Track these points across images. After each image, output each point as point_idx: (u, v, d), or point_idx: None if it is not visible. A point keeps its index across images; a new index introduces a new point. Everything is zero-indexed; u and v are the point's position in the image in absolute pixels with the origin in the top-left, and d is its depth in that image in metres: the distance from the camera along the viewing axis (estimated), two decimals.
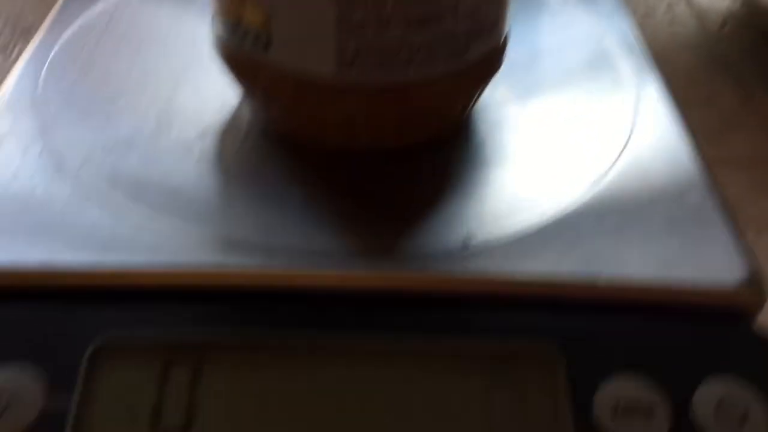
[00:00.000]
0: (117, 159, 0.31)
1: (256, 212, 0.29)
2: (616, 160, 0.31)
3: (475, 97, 0.31)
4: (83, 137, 0.32)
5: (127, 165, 0.30)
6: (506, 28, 0.31)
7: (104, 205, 0.28)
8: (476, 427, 0.23)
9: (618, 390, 0.24)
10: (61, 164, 0.30)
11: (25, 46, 0.37)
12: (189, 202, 0.29)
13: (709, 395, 0.24)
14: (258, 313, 0.26)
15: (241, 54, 0.29)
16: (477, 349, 0.25)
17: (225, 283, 0.26)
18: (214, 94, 0.34)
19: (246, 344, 0.25)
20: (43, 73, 0.35)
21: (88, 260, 0.26)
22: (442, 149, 0.32)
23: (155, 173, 0.30)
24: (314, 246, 0.27)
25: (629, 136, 0.32)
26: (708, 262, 0.26)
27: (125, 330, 0.25)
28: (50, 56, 0.36)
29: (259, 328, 0.25)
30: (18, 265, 0.26)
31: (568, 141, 0.32)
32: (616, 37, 0.38)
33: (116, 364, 0.24)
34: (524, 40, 0.37)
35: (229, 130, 0.33)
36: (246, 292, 0.26)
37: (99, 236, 0.27)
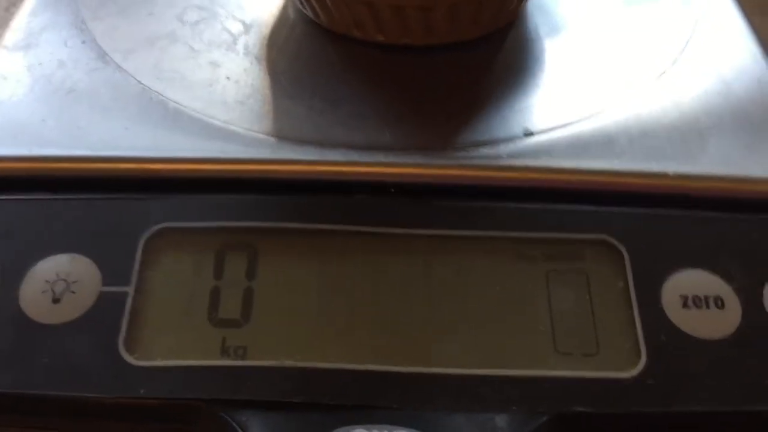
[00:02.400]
0: (160, 53, 0.30)
1: (306, 106, 0.28)
2: (680, 54, 0.30)
3: None
4: (125, 30, 0.31)
5: (171, 58, 0.29)
6: None
7: (150, 98, 0.28)
8: (540, 317, 0.23)
9: (686, 282, 0.23)
10: (103, 56, 0.29)
11: None
12: (236, 96, 0.28)
13: None
14: (312, 205, 0.25)
15: None
16: (541, 240, 0.24)
17: (279, 176, 0.26)
18: None
19: (300, 235, 0.24)
20: None
21: (137, 152, 0.26)
22: (496, 44, 0.31)
23: (200, 67, 0.29)
24: (370, 140, 0.26)
25: (693, 31, 0.31)
26: None
27: (179, 220, 0.24)
28: None
29: (314, 220, 0.25)
30: (68, 156, 0.25)
31: (628, 37, 0.31)
32: None
33: (171, 253, 0.24)
34: None
35: (275, 24, 0.32)
36: (300, 184, 0.25)
37: (147, 128, 0.26)
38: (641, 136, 0.26)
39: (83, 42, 0.30)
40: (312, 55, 0.30)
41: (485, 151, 0.26)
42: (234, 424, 0.20)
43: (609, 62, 0.30)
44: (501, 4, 0.29)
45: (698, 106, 0.28)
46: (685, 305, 0.23)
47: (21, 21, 0.31)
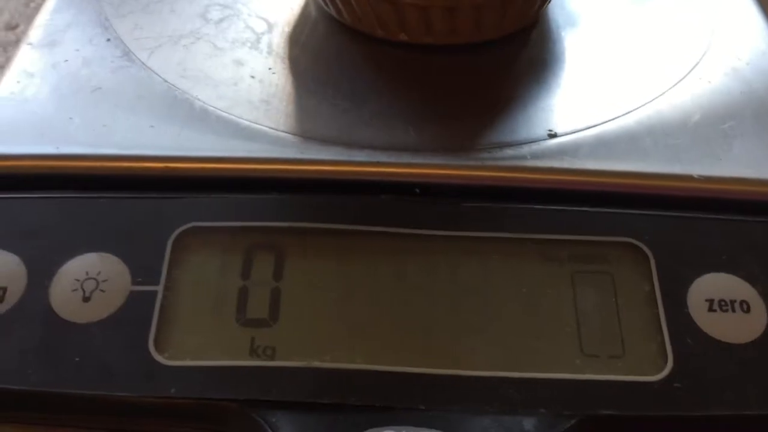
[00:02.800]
0: (184, 51, 0.30)
1: (330, 106, 0.28)
2: (702, 57, 0.30)
3: None
4: (148, 28, 0.31)
5: (195, 57, 0.30)
6: None
7: (175, 96, 0.28)
8: (566, 319, 0.23)
9: (712, 285, 0.23)
10: (128, 54, 0.29)
11: None
12: (261, 95, 0.28)
13: None
14: (338, 206, 0.25)
15: None
16: (566, 242, 0.24)
17: (305, 176, 0.26)
18: None
19: (326, 235, 0.24)
20: None
21: (164, 151, 0.26)
22: (519, 45, 0.31)
23: (224, 66, 0.29)
24: (394, 140, 0.26)
25: (713, 34, 0.31)
26: None
27: (207, 220, 0.24)
28: None
29: (340, 220, 0.25)
30: (96, 155, 0.26)
31: (651, 38, 0.31)
32: None
33: (199, 252, 0.24)
34: None
35: (298, 24, 0.32)
36: (326, 184, 0.25)
37: (173, 127, 0.27)
38: (665, 138, 0.26)
39: (108, 40, 0.30)
40: (335, 54, 0.30)
41: (510, 152, 0.26)
42: (265, 425, 0.21)
43: (632, 64, 0.30)
44: (524, 5, 0.29)
45: (721, 107, 0.28)
46: (711, 309, 0.23)
47: (44, 18, 0.31)
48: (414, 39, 0.30)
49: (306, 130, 0.27)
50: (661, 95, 0.28)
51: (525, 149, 0.26)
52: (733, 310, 0.23)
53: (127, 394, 0.21)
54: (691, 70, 0.29)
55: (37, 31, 0.30)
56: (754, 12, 0.32)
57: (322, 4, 0.31)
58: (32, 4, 0.43)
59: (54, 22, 0.31)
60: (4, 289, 0.23)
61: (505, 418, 0.21)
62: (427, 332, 0.23)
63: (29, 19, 0.44)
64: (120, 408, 0.22)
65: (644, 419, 0.21)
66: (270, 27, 0.31)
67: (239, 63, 0.29)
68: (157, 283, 0.23)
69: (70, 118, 0.26)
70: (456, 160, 0.26)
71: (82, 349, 0.22)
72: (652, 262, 0.24)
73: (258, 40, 0.30)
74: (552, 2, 0.32)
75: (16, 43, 0.42)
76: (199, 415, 0.21)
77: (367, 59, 0.30)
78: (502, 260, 0.24)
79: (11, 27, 0.41)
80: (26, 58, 0.29)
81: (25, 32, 0.33)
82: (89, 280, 0.23)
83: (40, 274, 0.23)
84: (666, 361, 0.22)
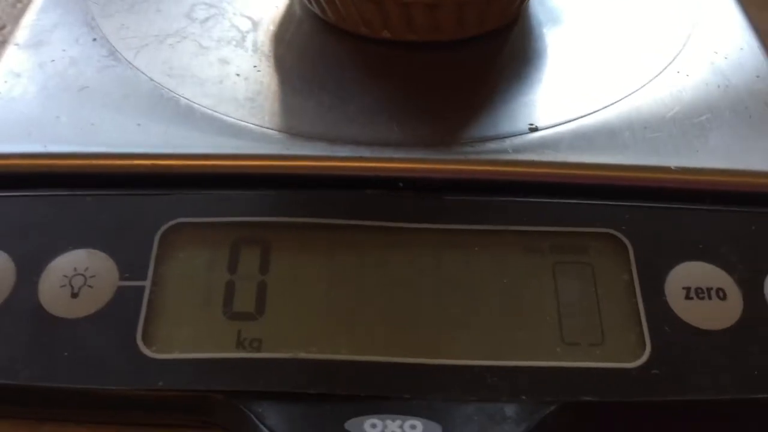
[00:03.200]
0: (170, 50, 0.30)
1: (315, 103, 0.28)
2: (680, 51, 0.30)
3: None
4: (134, 27, 0.31)
5: (181, 55, 0.30)
6: None
7: (161, 94, 0.28)
8: (548, 309, 0.23)
9: (689, 274, 0.24)
10: (114, 53, 0.30)
11: None
12: (246, 93, 0.28)
13: None
14: (323, 200, 0.25)
15: None
16: (547, 234, 0.24)
17: (290, 172, 0.26)
18: None
19: (311, 229, 0.25)
20: None
21: (151, 149, 0.26)
22: (501, 41, 0.31)
23: (209, 64, 0.30)
24: (378, 136, 0.27)
25: (692, 28, 0.31)
26: None
27: (193, 215, 0.25)
28: None
29: (325, 215, 0.25)
30: (83, 153, 0.26)
31: (630, 33, 0.32)
32: None
33: (186, 247, 0.24)
34: None
35: (282, 22, 0.32)
36: (310, 180, 0.26)
37: (159, 125, 0.27)
38: (644, 131, 0.27)
39: (94, 39, 0.30)
40: (319, 52, 0.31)
41: (492, 146, 0.26)
42: (251, 415, 0.21)
43: (612, 58, 0.30)
44: (506, 2, 0.30)
45: (699, 101, 0.28)
46: (688, 297, 0.23)
47: (31, 18, 0.31)
48: (397, 36, 0.30)
49: (291, 126, 0.27)
50: (640, 89, 0.29)
51: (507, 143, 0.27)
52: (710, 298, 0.23)
53: (116, 387, 0.22)
54: (670, 63, 0.30)
55: (23, 31, 0.31)
56: (733, 7, 0.33)
57: (307, 2, 0.32)
58: (19, 5, 0.43)
59: (40, 23, 0.31)
60: None
61: (487, 406, 0.22)
62: (411, 323, 0.23)
63: (16, 19, 0.44)
64: (109, 401, 0.22)
65: (623, 405, 0.22)
66: (255, 25, 0.32)
67: (224, 61, 0.30)
68: (144, 278, 0.23)
69: (57, 117, 0.27)
70: (439, 154, 0.26)
71: (71, 344, 0.22)
72: (631, 251, 0.24)
73: (243, 39, 0.31)
74: (532, 1, 0.32)
75: (3, 43, 0.42)
76: (186, 407, 0.22)
77: (352, 56, 0.30)
78: (484, 252, 0.24)
79: None
80: (13, 58, 0.29)
81: (12, 33, 0.33)
82: (77, 276, 0.23)
83: (29, 271, 0.23)
84: (644, 349, 0.22)
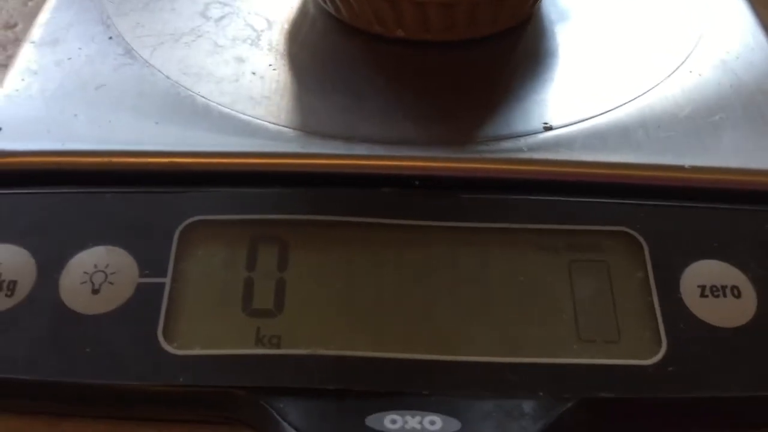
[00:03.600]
0: (186, 48, 0.30)
1: (330, 101, 0.28)
2: (692, 51, 0.31)
3: None
4: (150, 26, 0.31)
5: (197, 54, 0.30)
6: None
7: (178, 93, 0.28)
8: (564, 306, 0.24)
9: (704, 272, 0.24)
10: (131, 51, 0.30)
11: None
12: (262, 91, 0.29)
13: None
14: (339, 198, 0.26)
15: None
16: (563, 232, 0.25)
17: (307, 170, 0.26)
18: None
19: (328, 227, 0.25)
20: None
21: (169, 147, 0.26)
22: (514, 40, 0.31)
23: (225, 63, 0.30)
24: (393, 134, 0.27)
25: (703, 28, 0.32)
26: None
27: (212, 213, 0.25)
28: None
29: (342, 212, 0.25)
30: (102, 150, 0.26)
31: (642, 33, 0.32)
32: None
33: (205, 245, 0.24)
34: None
35: (297, 21, 0.32)
36: (327, 178, 0.26)
37: (177, 123, 0.27)
38: (657, 130, 0.27)
39: (110, 38, 0.30)
40: (333, 50, 0.31)
41: (506, 145, 0.27)
42: (272, 412, 0.21)
43: (624, 57, 0.30)
44: (519, 1, 0.30)
45: (711, 100, 0.28)
46: (702, 294, 0.23)
47: (46, 16, 0.32)
48: (411, 35, 0.30)
49: (307, 124, 0.27)
50: (652, 88, 0.29)
51: (521, 142, 0.27)
52: (725, 296, 0.23)
53: (137, 383, 0.22)
54: (682, 63, 0.30)
55: (39, 29, 0.31)
56: (743, 6, 0.33)
57: (321, 1, 0.32)
58: (30, 3, 0.43)
59: (56, 21, 0.31)
60: (14, 283, 0.23)
61: (505, 402, 0.22)
62: (429, 320, 0.23)
63: (27, 17, 0.44)
64: (130, 397, 0.22)
65: (639, 401, 0.22)
66: (270, 24, 0.32)
67: (240, 60, 0.30)
68: (164, 275, 0.23)
69: (75, 115, 0.27)
70: (454, 153, 0.26)
71: (92, 340, 0.22)
72: (646, 250, 0.24)
73: (258, 38, 0.31)
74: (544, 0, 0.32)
75: (15, 41, 0.42)
76: (208, 403, 0.22)
77: (365, 55, 0.31)
78: (500, 250, 0.25)
79: (10, 26, 0.42)
80: (29, 56, 0.30)
81: (23, 31, 0.33)
82: (98, 273, 0.23)
83: (50, 268, 0.24)
84: (660, 346, 0.23)
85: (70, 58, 0.29)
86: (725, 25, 0.32)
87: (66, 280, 0.23)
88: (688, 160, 0.26)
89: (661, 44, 0.31)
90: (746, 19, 0.33)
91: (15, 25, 0.42)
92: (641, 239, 0.24)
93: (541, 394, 0.22)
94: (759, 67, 0.30)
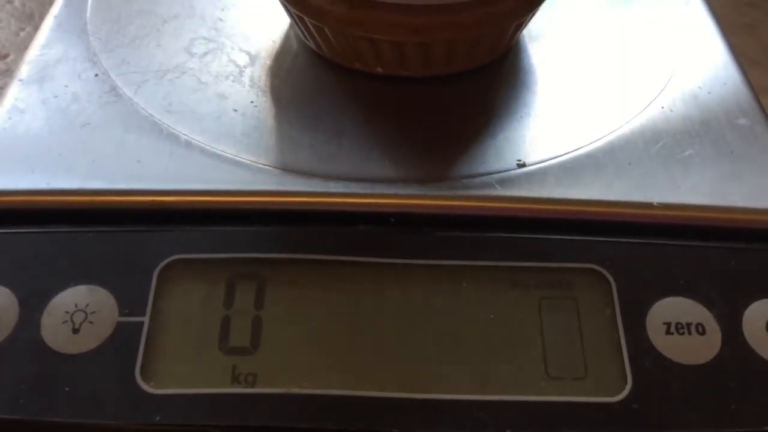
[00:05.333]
0: (170, 85, 0.31)
1: (309, 138, 0.29)
2: (665, 85, 0.31)
3: (526, 20, 0.31)
4: (135, 62, 0.32)
5: (180, 91, 0.31)
6: None
7: (161, 130, 0.29)
8: (533, 343, 0.24)
9: (670, 309, 0.24)
10: (116, 89, 0.30)
11: None
12: (243, 128, 0.29)
13: (760, 314, 0.24)
14: (316, 236, 0.26)
15: None
16: (533, 269, 0.25)
17: (283, 208, 0.27)
18: (262, 18, 0.34)
19: (305, 265, 0.26)
20: None
21: (150, 185, 0.27)
22: (491, 75, 0.32)
23: (208, 100, 0.31)
24: (370, 172, 0.28)
25: (677, 63, 0.32)
26: (761, 185, 0.27)
27: (191, 252, 0.26)
28: None
29: (319, 251, 0.26)
30: (84, 189, 0.27)
31: (617, 67, 0.32)
32: None
33: (184, 283, 0.25)
34: None
35: (279, 56, 0.33)
36: (304, 215, 0.27)
37: (159, 161, 0.28)
38: (628, 167, 0.28)
39: (96, 75, 0.31)
40: (315, 86, 0.32)
41: (479, 182, 0.27)
42: None
43: (598, 93, 0.31)
44: (496, 38, 0.31)
45: (682, 136, 0.29)
46: (668, 332, 0.24)
47: (34, 53, 0.32)
48: (389, 72, 0.31)
49: (285, 162, 0.28)
50: (624, 124, 0.29)
51: (495, 179, 0.27)
52: (689, 333, 0.24)
53: (115, 422, 0.23)
54: (655, 99, 0.31)
55: (27, 66, 0.32)
56: (718, 41, 0.34)
57: (303, 37, 0.32)
58: (22, 33, 0.44)
59: (44, 58, 0.32)
60: None
61: None
62: (401, 358, 0.24)
63: (19, 48, 0.45)
64: None
65: None
66: (252, 60, 0.32)
67: (222, 96, 0.31)
68: (143, 314, 0.24)
69: (60, 154, 0.28)
70: (429, 190, 0.27)
71: (72, 379, 0.23)
72: (614, 287, 0.25)
73: (240, 74, 0.32)
74: (522, 34, 0.33)
75: (7, 72, 0.43)
76: None
77: (346, 91, 0.31)
78: (472, 287, 0.25)
79: (1, 56, 0.42)
80: (17, 94, 0.30)
81: (15, 61, 0.34)
82: (78, 312, 0.24)
83: (32, 307, 0.24)
84: (626, 383, 0.23)
85: (56, 96, 0.30)
86: (699, 58, 0.33)
87: (47, 320, 0.24)
88: (657, 197, 0.27)
89: (636, 79, 0.32)
90: (720, 51, 0.33)
91: (6, 56, 0.43)
92: (609, 276, 0.25)
93: (508, 431, 0.22)
94: (730, 102, 0.30)
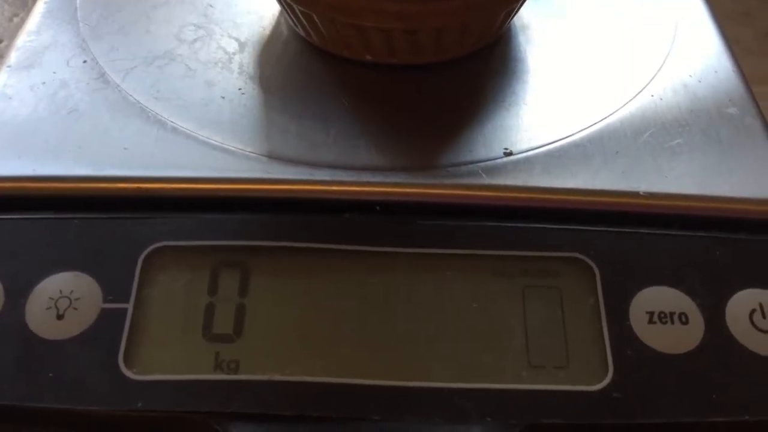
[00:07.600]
0: (158, 72, 0.31)
1: (297, 126, 0.29)
2: (656, 74, 0.31)
3: (516, 8, 0.31)
4: (124, 49, 0.32)
5: (168, 78, 0.31)
6: None
7: (148, 117, 0.29)
8: (516, 332, 0.24)
9: (653, 298, 0.24)
10: (104, 75, 0.30)
11: None
12: (230, 116, 0.29)
13: (743, 304, 0.24)
14: (302, 224, 0.26)
15: None
16: (518, 258, 0.25)
17: (269, 195, 0.27)
18: (252, 5, 0.34)
19: (290, 253, 0.26)
20: None
21: (136, 172, 0.27)
22: (481, 63, 0.32)
23: (196, 87, 0.30)
24: (356, 160, 0.28)
25: (669, 51, 0.32)
26: (747, 175, 0.27)
27: (176, 239, 0.26)
28: None
29: (304, 239, 0.26)
30: (70, 176, 0.27)
31: (608, 55, 0.32)
32: None
33: (168, 270, 0.25)
34: None
35: (268, 44, 0.33)
36: (290, 203, 0.27)
37: (145, 148, 0.28)
38: (615, 156, 0.28)
39: (84, 61, 0.31)
40: (303, 73, 0.32)
41: (466, 170, 0.27)
42: None
43: (588, 81, 0.31)
44: (485, 26, 0.31)
45: (671, 125, 0.29)
46: (651, 321, 0.24)
47: (24, 39, 0.32)
48: (378, 59, 0.31)
49: (271, 150, 0.28)
50: (613, 113, 0.29)
51: (482, 167, 0.27)
52: (672, 322, 0.24)
53: (98, 408, 0.23)
54: (645, 87, 0.30)
55: (16, 52, 0.32)
56: (711, 29, 0.33)
57: (293, 25, 0.32)
58: (15, 19, 0.44)
59: (33, 44, 0.32)
60: None
61: (456, 427, 0.23)
62: (384, 346, 0.24)
63: (12, 34, 0.45)
64: (92, 422, 0.23)
65: (585, 427, 0.23)
66: (241, 47, 0.32)
67: (210, 84, 0.31)
68: (127, 300, 0.24)
69: (46, 141, 0.28)
70: (415, 178, 0.27)
71: (56, 365, 0.23)
72: (598, 276, 0.25)
73: (229, 61, 0.32)
74: (512, 22, 0.33)
75: (0, 58, 0.43)
76: (165, 427, 0.23)
77: (334, 78, 0.31)
78: (456, 276, 0.25)
79: None
80: (5, 80, 0.30)
81: (8, 47, 0.34)
82: (63, 299, 0.24)
83: (16, 293, 0.24)
84: (607, 372, 0.23)
85: (44, 83, 0.30)
86: (691, 46, 0.33)
87: (32, 306, 0.24)
88: (644, 186, 0.27)
89: (627, 67, 0.32)
90: (712, 40, 0.33)
91: (0, 42, 0.43)
92: (593, 265, 0.25)
93: (489, 419, 0.23)
94: (720, 91, 0.30)
